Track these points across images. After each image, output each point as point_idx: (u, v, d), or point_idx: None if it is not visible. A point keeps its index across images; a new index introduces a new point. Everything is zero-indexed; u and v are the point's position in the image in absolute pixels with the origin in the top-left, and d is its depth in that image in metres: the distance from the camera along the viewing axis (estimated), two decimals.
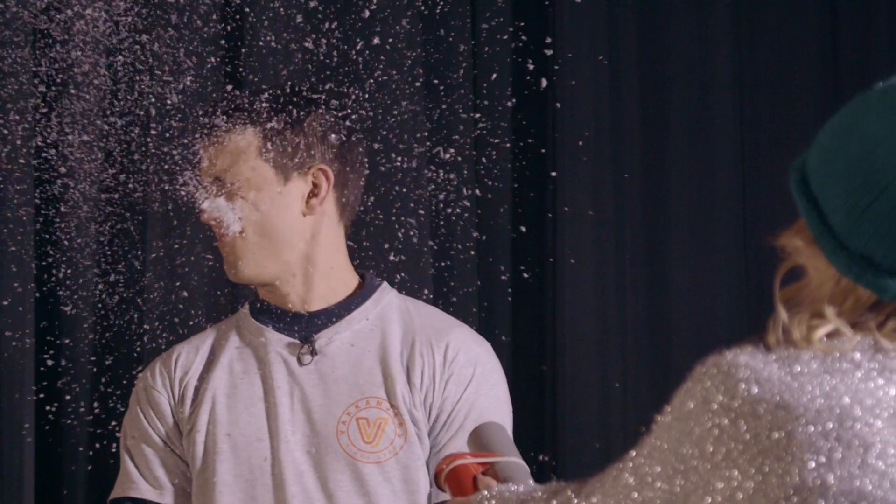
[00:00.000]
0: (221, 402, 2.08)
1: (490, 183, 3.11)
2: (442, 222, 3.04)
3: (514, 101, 3.15)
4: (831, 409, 1.13)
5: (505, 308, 3.11)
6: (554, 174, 3.10)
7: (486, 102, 3.13)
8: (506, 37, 3.16)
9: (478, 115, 3.13)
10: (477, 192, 3.11)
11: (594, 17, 3.17)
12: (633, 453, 1.25)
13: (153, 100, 2.85)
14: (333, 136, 2.07)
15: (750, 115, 3.26)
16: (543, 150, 3.12)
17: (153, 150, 2.85)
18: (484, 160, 3.13)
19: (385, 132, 3.01)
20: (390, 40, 3.04)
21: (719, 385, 1.19)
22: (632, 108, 3.20)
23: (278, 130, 2.05)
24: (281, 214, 2.05)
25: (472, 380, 2.04)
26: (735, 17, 3.25)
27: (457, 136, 3.10)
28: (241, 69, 2.93)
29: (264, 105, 2.05)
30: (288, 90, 2.09)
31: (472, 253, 3.09)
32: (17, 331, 2.79)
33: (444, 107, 3.10)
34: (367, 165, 2.16)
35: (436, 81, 3.09)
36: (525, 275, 3.11)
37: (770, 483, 1.13)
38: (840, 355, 1.18)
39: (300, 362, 2.07)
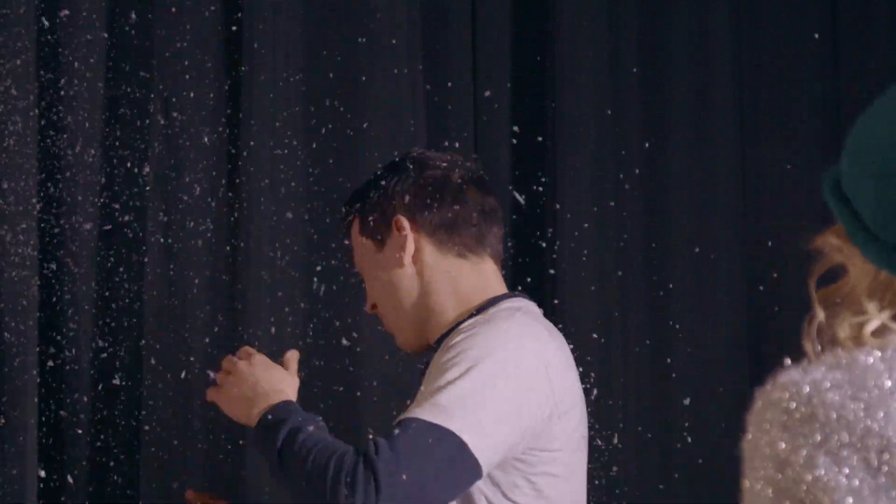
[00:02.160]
0: None
1: (491, 182, 3.11)
2: None
3: (513, 99, 3.15)
4: None
5: None
6: (554, 174, 3.11)
7: (486, 102, 3.13)
8: (506, 35, 3.16)
9: (477, 114, 3.13)
10: None
11: (595, 17, 3.17)
12: None
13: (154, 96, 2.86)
14: (397, 184, 2.14)
15: (750, 115, 3.26)
16: (543, 149, 3.13)
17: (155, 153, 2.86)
18: (484, 160, 3.13)
19: (385, 132, 3.01)
20: (390, 40, 3.04)
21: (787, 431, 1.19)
22: (632, 108, 3.20)
23: (364, 208, 2.15)
24: (392, 277, 2.13)
25: (448, 350, 2.01)
26: (735, 16, 3.25)
27: (456, 137, 3.10)
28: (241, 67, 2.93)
29: (358, 193, 2.18)
30: (383, 167, 2.21)
31: None
32: (18, 329, 2.79)
33: (443, 106, 3.10)
34: (446, 186, 2.17)
35: (436, 81, 3.09)
36: (525, 276, 3.11)
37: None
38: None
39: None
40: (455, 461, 1.89)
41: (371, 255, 2.15)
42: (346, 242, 2.28)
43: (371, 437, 1.98)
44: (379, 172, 2.21)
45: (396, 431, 1.90)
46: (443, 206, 2.13)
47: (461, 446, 1.89)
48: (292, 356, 2.13)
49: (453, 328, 2.10)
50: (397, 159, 2.22)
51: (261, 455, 2.08)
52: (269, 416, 1.98)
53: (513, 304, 2.12)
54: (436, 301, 2.13)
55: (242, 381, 2.06)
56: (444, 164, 2.17)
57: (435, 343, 2.13)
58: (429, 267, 2.13)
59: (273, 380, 2.04)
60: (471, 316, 2.10)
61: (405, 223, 2.12)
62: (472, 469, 1.91)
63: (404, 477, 1.86)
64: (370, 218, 2.14)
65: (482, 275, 2.15)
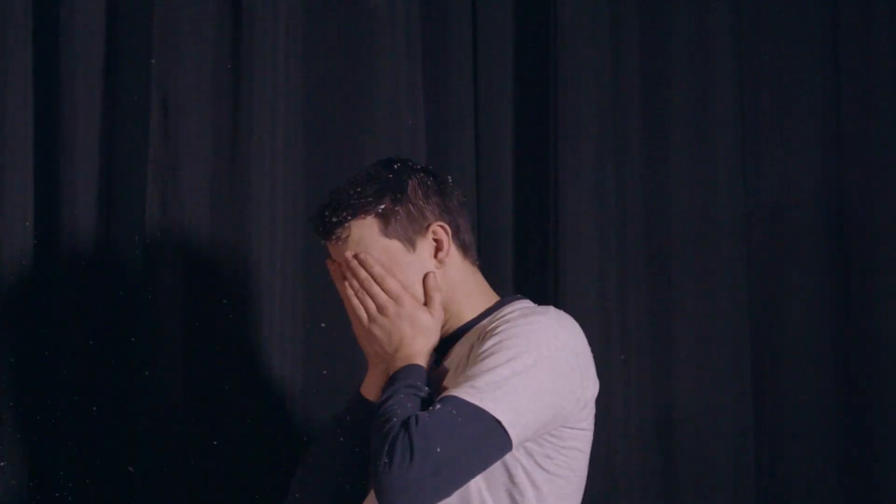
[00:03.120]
0: None
1: (490, 183, 3.12)
2: None
3: (514, 101, 3.15)
4: None
5: None
6: (554, 174, 3.10)
7: (486, 102, 3.13)
8: (507, 36, 3.16)
9: (477, 114, 3.13)
10: (477, 191, 3.12)
11: (596, 18, 3.17)
12: None
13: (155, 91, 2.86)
14: (432, 192, 2.35)
15: (750, 116, 3.26)
16: (543, 149, 3.13)
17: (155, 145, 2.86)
18: (484, 159, 3.13)
19: (385, 132, 3.01)
20: (390, 40, 3.04)
21: None
22: (632, 108, 3.20)
23: (391, 209, 2.31)
24: (420, 279, 2.32)
25: (492, 337, 2.21)
26: (735, 17, 3.26)
27: (457, 137, 3.10)
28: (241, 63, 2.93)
29: (369, 192, 2.31)
30: (380, 170, 2.35)
31: None
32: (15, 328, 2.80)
33: (443, 106, 3.10)
34: (463, 200, 2.41)
35: (435, 82, 3.09)
36: (526, 276, 3.11)
37: None
38: None
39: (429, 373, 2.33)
40: (486, 437, 2.12)
41: (398, 255, 2.32)
42: (327, 243, 2.35)
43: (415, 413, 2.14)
44: (370, 176, 2.34)
45: (438, 406, 2.12)
46: (462, 214, 2.38)
47: (494, 424, 2.12)
48: (430, 287, 2.32)
49: (470, 325, 2.34)
50: (392, 165, 2.36)
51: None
52: (393, 376, 2.23)
53: (525, 303, 2.37)
54: (459, 299, 2.36)
55: (389, 335, 2.30)
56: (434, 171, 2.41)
57: (447, 337, 2.35)
58: (454, 269, 2.36)
59: (418, 338, 2.28)
60: (488, 312, 2.35)
61: (444, 228, 2.33)
62: (502, 445, 2.14)
63: (438, 449, 2.09)
64: (395, 220, 2.31)
65: (482, 278, 2.42)
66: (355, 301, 2.32)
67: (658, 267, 3.19)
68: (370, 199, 2.31)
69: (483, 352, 2.19)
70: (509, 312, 2.31)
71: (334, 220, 2.32)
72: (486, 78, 3.13)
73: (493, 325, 2.26)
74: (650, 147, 3.20)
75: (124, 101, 2.90)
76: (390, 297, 2.31)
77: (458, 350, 2.33)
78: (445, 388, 2.22)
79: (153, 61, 2.89)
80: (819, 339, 3.23)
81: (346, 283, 2.33)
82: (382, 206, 2.31)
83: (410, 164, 2.39)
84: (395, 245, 2.32)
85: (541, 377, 2.17)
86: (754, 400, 3.20)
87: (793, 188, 3.25)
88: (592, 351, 3.08)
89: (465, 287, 2.36)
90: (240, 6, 2.93)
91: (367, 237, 2.31)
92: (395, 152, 2.98)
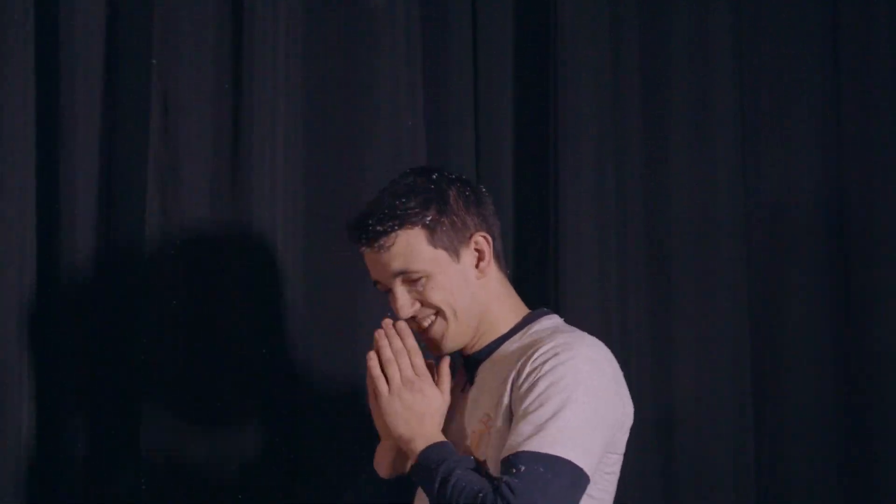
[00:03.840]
0: None
1: (490, 183, 3.12)
2: None
3: (514, 101, 3.15)
4: None
5: None
6: (554, 174, 3.10)
7: (486, 102, 3.13)
8: (508, 36, 3.16)
9: (478, 114, 3.13)
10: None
11: (596, 17, 3.17)
12: None
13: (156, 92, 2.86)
14: (471, 202, 2.38)
15: (750, 116, 3.26)
16: (543, 150, 3.13)
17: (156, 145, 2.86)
18: (484, 159, 3.13)
19: (385, 132, 3.01)
20: (390, 40, 3.04)
21: None
22: (632, 108, 3.20)
23: (437, 220, 2.34)
24: (464, 289, 2.36)
25: (540, 379, 2.24)
26: (735, 17, 3.26)
27: (457, 137, 3.10)
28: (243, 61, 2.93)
29: (414, 203, 2.34)
30: (419, 180, 2.38)
31: None
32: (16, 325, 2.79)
33: (443, 106, 3.10)
34: (494, 209, 2.44)
35: (436, 82, 3.09)
36: (526, 276, 3.11)
37: None
38: None
39: (462, 390, 2.41)
40: (574, 485, 2.19)
41: (444, 265, 2.35)
42: (367, 250, 2.35)
43: (501, 479, 2.18)
44: (410, 187, 2.36)
45: (522, 468, 2.17)
46: (496, 223, 2.43)
47: (577, 470, 2.18)
48: (445, 372, 2.38)
49: (501, 342, 2.39)
50: (430, 175, 2.39)
51: (420, 485, 2.32)
52: (428, 456, 2.27)
53: (553, 321, 2.41)
54: (494, 310, 2.40)
55: (409, 410, 2.32)
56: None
57: (479, 351, 2.40)
58: (492, 279, 2.39)
59: (435, 418, 2.33)
60: (518, 328, 2.39)
61: (486, 238, 2.37)
62: (585, 485, 2.22)
63: None
64: (441, 230, 2.34)
65: (512, 288, 2.45)
66: (377, 371, 2.35)
67: (658, 267, 3.19)
68: (417, 209, 2.33)
69: (536, 396, 2.22)
70: (546, 336, 2.33)
71: (379, 228, 2.33)
72: (486, 78, 3.13)
73: (532, 355, 2.28)
74: (650, 147, 3.20)
75: (124, 100, 2.90)
76: (416, 372, 2.35)
77: (491, 373, 2.36)
78: (482, 412, 2.31)
79: (153, 61, 2.89)
80: (819, 339, 3.23)
81: (373, 352, 2.35)
82: (429, 217, 2.34)
83: (447, 173, 2.42)
84: (442, 255, 2.35)
85: (596, 411, 2.23)
86: (754, 400, 3.20)
87: (793, 188, 3.25)
88: None
89: (500, 298, 2.40)
90: (240, 6, 2.94)
91: (415, 247, 2.33)
92: (395, 152, 2.98)
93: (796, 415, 3.22)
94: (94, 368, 2.83)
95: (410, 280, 2.34)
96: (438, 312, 2.36)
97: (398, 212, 2.33)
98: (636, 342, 3.15)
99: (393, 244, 2.33)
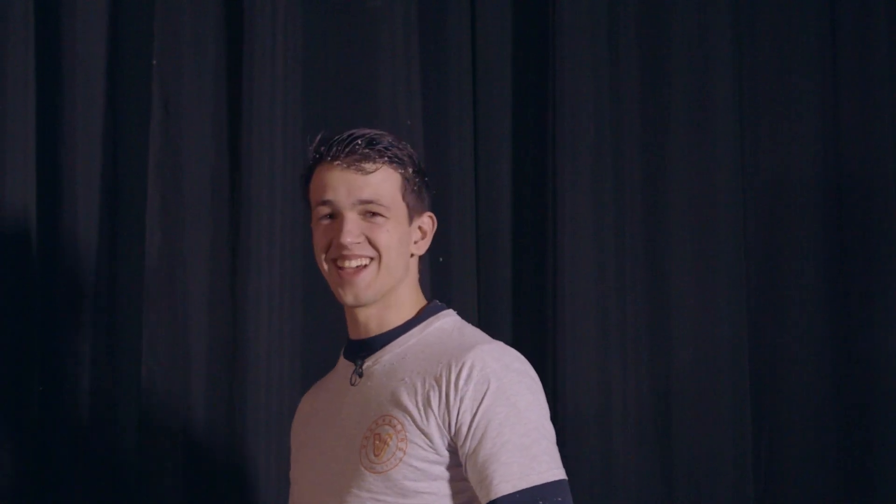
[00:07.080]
0: None
1: (489, 183, 3.12)
2: (442, 223, 3.05)
3: (513, 101, 3.16)
4: None
5: (505, 308, 3.12)
6: (553, 174, 3.11)
7: (486, 102, 3.14)
8: (506, 36, 3.17)
9: (477, 114, 3.13)
10: (476, 191, 3.12)
11: (594, 17, 3.18)
12: None
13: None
14: (430, 188, 2.35)
15: (750, 115, 3.26)
16: (543, 149, 3.13)
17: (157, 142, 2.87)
18: (483, 159, 3.14)
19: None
20: (390, 40, 3.05)
21: None
22: (632, 107, 3.20)
23: (412, 178, 2.32)
24: (403, 250, 2.30)
25: (486, 393, 2.19)
26: (735, 16, 3.26)
27: (457, 137, 3.11)
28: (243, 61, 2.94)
29: (403, 151, 2.31)
30: (403, 144, 2.33)
31: (472, 253, 3.10)
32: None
33: (443, 106, 3.11)
34: None
35: (435, 82, 3.10)
36: (524, 276, 3.11)
37: None
38: None
39: (351, 383, 2.33)
40: (567, 498, 2.19)
41: (401, 219, 2.29)
42: (341, 166, 2.26)
43: None
44: (405, 149, 2.33)
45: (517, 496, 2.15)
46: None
47: (565, 485, 2.20)
48: None
49: (403, 328, 2.31)
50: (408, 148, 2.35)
51: None
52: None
53: (453, 318, 2.35)
54: (405, 291, 2.33)
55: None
56: None
57: (376, 337, 2.32)
58: (415, 263, 2.35)
59: None
60: (418, 320, 2.32)
61: (433, 220, 2.35)
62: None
63: None
64: (411, 190, 2.30)
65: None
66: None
67: (656, 267, 3.19)
68: (404, 157, 2.30)
69: (500, 420, 2.18)
70: (460, 342, 2.27)
71: (367, 151, 2.27)
72: (486, 78, 3.14)
73: (460, 372, 2.21)
74: (649, 145, 3.20)
75: (125, 101, 2.91)
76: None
77: (391, 369, 2.29)
78: (378, 413, 2.23)
79: (154, 62, 2.90)
80: (818, 335, 3.23)
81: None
82: (410, 171, 2.31)
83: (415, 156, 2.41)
84: (403, 210, 2.30)
85: (547, 421, 2.24)
86: (752, 397, 3.20)
87: (792, 188, 3.25)
88: (590, 351, 3.11)
89: (413, 283, 2.35)
90: (240, 8, 2.95)
91: (389, 186, 2.28)
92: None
93: (795, 410, 3.21)
94: (94, 368, 2.84)
95: (369, 213, 2.26)
96: (375, 259, 2.27)
97: (390, 148, 2.28)
98: (635, 341, 3.15)
99: (373, 172, 2.26)
